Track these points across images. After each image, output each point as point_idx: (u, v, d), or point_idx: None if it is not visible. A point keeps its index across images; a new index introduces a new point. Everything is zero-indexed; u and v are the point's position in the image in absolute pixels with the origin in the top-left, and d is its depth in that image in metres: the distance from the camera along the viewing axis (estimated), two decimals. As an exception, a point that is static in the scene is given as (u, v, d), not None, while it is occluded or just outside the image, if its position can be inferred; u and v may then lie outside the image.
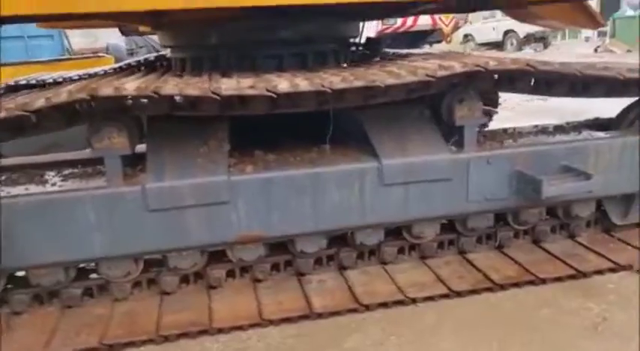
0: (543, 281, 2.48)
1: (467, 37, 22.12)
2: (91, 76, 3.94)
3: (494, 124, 3.59)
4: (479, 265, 2.60)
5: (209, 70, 2.78)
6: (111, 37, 10.09)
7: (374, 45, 3.77)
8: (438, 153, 2.43)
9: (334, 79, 2.10)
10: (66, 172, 2.44)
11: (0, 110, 1.91)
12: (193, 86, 1.99)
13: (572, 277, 2.51)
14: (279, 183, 2.29)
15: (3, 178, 2.40)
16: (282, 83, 2.02)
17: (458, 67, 2.20)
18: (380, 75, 2.17)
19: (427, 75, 2.15)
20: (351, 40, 3.48)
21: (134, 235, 2.22)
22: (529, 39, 19.88)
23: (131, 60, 4.61)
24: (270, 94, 1.99)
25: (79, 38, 11.18)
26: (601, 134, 2.72)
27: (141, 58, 4.43)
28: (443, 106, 2.45)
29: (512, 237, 2.76)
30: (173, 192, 2.19)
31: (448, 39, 13.85)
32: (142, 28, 4.20)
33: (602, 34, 21.02)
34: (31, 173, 2.41)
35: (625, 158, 2.62)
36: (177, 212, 2.22)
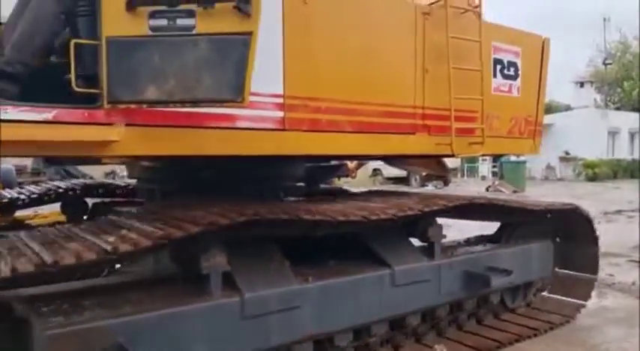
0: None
1: (375, 172, 22.77)
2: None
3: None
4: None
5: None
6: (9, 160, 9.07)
7: (313, 183, 4.78)
8: (422, 261, 3.44)
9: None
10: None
11: None
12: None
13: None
14: (332, 289, 2.98)
15: (91, 302, 2.52)
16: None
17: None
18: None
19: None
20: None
21: (228, 342, 2.60)
22: (430, 176, 19.78)
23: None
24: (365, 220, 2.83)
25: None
26: (496, 246, 4.09)
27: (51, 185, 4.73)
28: (418, 229, 3.52)
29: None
30: (264, 300, 2.70)
31: (353, 174, 14.40)
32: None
33: (495, 175, 22.83)
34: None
35: (515, 260, 4.00)
36: (264, 318, 2.71)
